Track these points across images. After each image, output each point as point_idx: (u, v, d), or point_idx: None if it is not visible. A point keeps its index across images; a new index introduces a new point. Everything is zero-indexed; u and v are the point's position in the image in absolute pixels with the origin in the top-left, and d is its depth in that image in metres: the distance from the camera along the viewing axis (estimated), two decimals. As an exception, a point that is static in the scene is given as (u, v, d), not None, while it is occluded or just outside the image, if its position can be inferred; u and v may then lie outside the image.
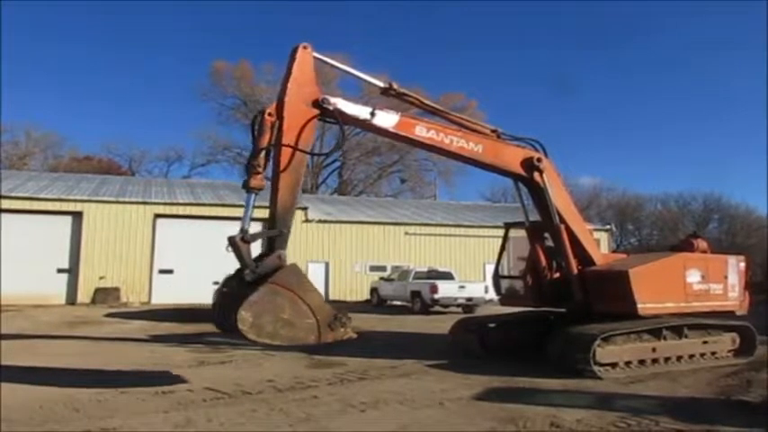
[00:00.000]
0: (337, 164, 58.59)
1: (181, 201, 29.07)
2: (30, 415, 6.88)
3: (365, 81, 10.66)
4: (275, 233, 8.21)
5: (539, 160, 10.72)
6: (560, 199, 11.02)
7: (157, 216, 27.77)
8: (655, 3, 78.91)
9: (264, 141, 8.34)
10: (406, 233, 31.52)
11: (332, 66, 10.09)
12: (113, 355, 11.89)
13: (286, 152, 8.38)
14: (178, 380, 9.11)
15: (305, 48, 8.78)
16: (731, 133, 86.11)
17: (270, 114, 8.45)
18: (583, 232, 11.33)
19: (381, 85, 9.96)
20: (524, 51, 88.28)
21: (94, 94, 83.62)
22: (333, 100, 8.89)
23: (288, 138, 8.38)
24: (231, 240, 7.81)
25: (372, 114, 9.26)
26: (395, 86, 9.90)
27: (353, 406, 7.57)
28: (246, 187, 8.30)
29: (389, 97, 10.37)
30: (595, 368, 9.48)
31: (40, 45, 79.33)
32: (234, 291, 8.11)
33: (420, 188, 58.68)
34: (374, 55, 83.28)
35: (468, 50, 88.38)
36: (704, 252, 12.15)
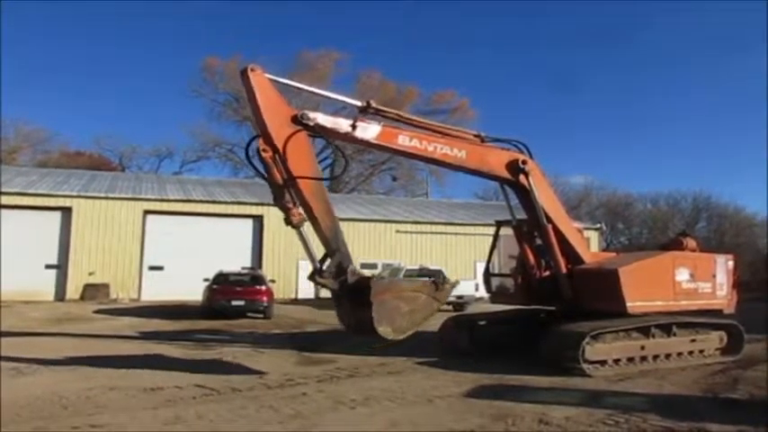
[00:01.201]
0: (329, 161, 58.58)
1: (171, 197, 28.92)
2: (17, 412, 6.83)
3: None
4: (339, 258, 8.67)
5: (524, 163, 10.68)
6: (547, 199, 11.04)
7: (147, 212, 27.63)
8: (650, 3, 79.26)
9: (278, 178, 8.62)
10: (397, 231, 31.54)
11: (297, 88, 10.01)
12: (104, 352, 11.81)
13: (303, 182, 8.59)
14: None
15: (253, 70, 8.54)
16: (724, 133, 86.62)
17: (264, 150, 8.61)
18: (570, 231, 11.37)
19: (358, 104, 9.70)
20: (518, 50, 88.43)
21: (85, 90, 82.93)
22: (312, 115, 8.82)
23: (294, 167, 8.54)
24: (313, 280, 8.71)
25: (353, 127, 9.17)
26: (372, 104, 9.66)
27: (343, 403, 7.58)
28: (291, 226, 8.76)
29: (369, 115, 9.86)
30: (584, 366, 9.54)
31: (30, 40, 78.67)
32: (346, 311, 9.10)
33: (412, 186, 58.74)
34: (369, 51, 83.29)
35: (463, 49, 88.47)
36: (693, 251, 12.24)
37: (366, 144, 9.84)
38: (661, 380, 9.47)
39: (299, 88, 10.15)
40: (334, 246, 8.72)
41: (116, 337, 14.11)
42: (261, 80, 8.59)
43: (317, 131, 8.93)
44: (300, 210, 8.76)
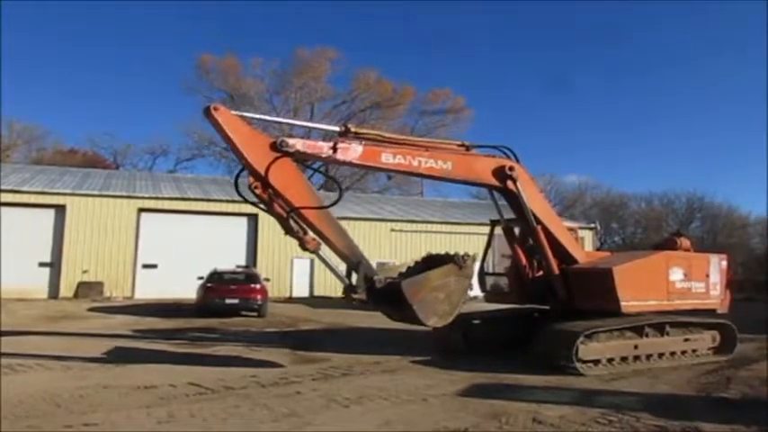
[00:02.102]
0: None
1: (165, 195, 28.83)
2: (10, 410, 6.80)
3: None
4: (363, 271, 8.93)
5: (510, 169, 10.60)
6: (535, 202, 11.03)
7: (141, 210, 27.54)
8: (645, 3, 79.43)
9: (279, 211, 8.80)
10: (392, 230, 31.53)
11: (260, 120, 9.99)
12: (98, 351, 11.77)
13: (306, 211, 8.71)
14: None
15: (216, 109, 8.33)
16: (717, 133, 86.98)
17: (256, 187, 8.72)
18: (561, 232, 11.39)
19: (336, 129, 9.55)
20: (514, 50, 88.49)
21: (80, 88, 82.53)
22: (291, 142, 8.71)
23: (291, 196, 8.59)
24: (349, 297, 9.09)
25: (334, 150, 9.06)
26: (351, 128, 9.49)
27: (337, 401, 7.58)
28: (308, 251, 8.96)
29: (348, 139, 9.54)
30: (578, 365, 9.58)
31: (24, 37, 78.27)
32: (390, 312, 9.74)
33: (407, 185, 58.62)
34: (366, 51, 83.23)
35: (459, 48, 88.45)
36: (687, 250, 12.29)
37: (350, 165, 9.82)
38: (654, 379, 9.51)
39: (265, 120, 10.06)
40: (355, 260, 8.98)
41: (110, 336, 14.06)
42: (227, 117, 8.39)
43: (299, 157, 8.85)
44: (312, 235, 8.90)
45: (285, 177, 8.55)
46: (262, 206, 9.11)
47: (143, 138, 65.41)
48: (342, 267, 9.16)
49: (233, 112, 8.59)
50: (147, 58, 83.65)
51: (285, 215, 8.77)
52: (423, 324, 9.00)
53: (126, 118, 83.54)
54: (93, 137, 58.77)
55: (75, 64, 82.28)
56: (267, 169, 8.32)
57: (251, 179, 8.79)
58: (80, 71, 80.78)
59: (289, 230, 8.89)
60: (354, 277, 8.97)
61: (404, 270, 10.55)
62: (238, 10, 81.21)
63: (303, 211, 8.66)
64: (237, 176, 9.23)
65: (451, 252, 9.76)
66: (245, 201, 9.17)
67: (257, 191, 8.77)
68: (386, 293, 8.85)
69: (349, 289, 8.95)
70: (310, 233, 8.89)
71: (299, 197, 8.64)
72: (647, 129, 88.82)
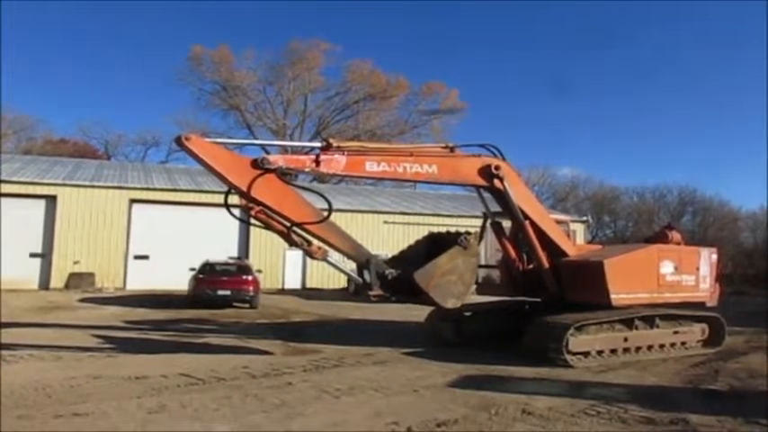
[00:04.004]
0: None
1: (157, 186, 28.70)
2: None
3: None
4: (374, 268, 9.18)
5: (497, 168, 10.55)
6: (523, 199, 11.05)
7: (133, 201, 27.40)
8: (639, 2, 79.42)
9: (281, 228, 8.93)
10: (385, 222, 31.52)
11: (237, 144, 9.96)
12: (89, 341, 11.76)
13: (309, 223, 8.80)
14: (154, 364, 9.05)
15: (188, 139, 8.14)
16: (710, 128, 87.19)
17: (251, 208, 8.84)
18: (550, 226, 11.42)
19: (318, 145, 9.42)
20: (508, 44, 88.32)
21: (71, 78, 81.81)
22: (272, 159, 8.67)
23: (288, 212, 8.65)
24: (366, 295, 9.32)
25: (317, 163, 9.02)
26: (333, 142, 9.30)
27: (328, 393, 7.61)
28: (318, 260, 9.22)
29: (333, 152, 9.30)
30: (568, 357, 9.65)
31: (14, 27, 77.46)
32: (408, 299, 9.98)
33: (399, 177, 58.56)
34: (361, 47, 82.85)
35: (453, 41, 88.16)
36: (678, 244, 12.36)
37: (335, 176, 9.90)
38: (643, 371, 9.60)
39: (241, 144, 10.06)
40: (363, 259, 9.22)
41: (101, 327, 14.03)
42: (202, 145, 8.27)
43: (283, 173, 8.69)
44: (317, 243, 9.04)
45: (277, 195, 8.55)
46: (259, 225, 9.19)
47: (135, 128, 65.33)
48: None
49: (207, 140, 8.50)
50: (139, 49, 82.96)
51: (286, 231, 8.85)
52: (443, 307, 9.42)
53: (118, 108, 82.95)
54: (84, 127, 58.21)
55: (67, 54, 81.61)
56: (249, 186, 8.30)
57: (242, 202, 8.88)
58: (71, 61, 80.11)
59: (292, 243, 9.01)
60: (367, 275, 9.16)
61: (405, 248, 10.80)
62: (232, 1, 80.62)
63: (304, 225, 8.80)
64: (227, 196, 9.04)
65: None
66: (242, 221, 9.27)
67: (254, 212, 8.87)
68: (402, 284, 9.13)
69: (365, 287, 9.16)
70: (315, 242, 9.03)
71: (296, 211, 8.69)
72: (640, 123, 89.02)
